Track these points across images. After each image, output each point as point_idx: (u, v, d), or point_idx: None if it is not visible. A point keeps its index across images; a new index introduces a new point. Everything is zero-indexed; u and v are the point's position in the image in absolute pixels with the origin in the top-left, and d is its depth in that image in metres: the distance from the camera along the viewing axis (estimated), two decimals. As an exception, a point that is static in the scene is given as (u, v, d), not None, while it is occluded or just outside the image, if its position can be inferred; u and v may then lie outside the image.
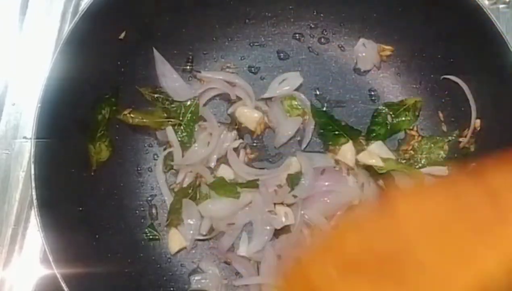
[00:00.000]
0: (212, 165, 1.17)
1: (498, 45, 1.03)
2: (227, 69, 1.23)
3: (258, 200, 1.13)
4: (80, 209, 1.07)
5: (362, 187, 1.16)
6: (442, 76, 1.15)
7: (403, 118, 1.19)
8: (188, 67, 1.22)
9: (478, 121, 1.12)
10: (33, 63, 1.22)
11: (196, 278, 1.14)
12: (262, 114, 1.19)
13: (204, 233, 1.15)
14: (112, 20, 1.08)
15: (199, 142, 1.17)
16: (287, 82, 1.21)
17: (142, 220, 1.17)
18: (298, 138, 1.20)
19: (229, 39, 1.23)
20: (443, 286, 0.49)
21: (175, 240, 1.15)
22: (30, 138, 1.00)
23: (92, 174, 1.11)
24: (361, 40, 1.21)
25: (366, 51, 1.21)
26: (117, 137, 1.15)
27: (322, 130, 1.18)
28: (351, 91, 1.22)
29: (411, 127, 1.19)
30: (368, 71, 1.22)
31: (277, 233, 1.14)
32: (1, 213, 1.17)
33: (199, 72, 1.22)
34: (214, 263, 1.15)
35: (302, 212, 1.13)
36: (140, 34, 1.14)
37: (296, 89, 1.21)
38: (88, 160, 1.10)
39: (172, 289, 1.14)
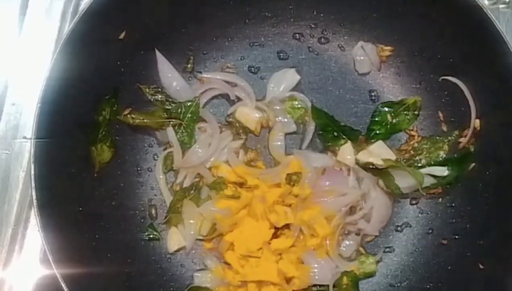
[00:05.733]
0: (212, 165, 1.17)
1: (498, 45, 1.03)
2: (227, 69, 1.23)
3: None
4: (80, 209, 1.07)
5: (362, 187, 1.17)
6: (441, 77, 1.15)
7: (403, 118, 1.19)
8: (188, 67, 1.22)
9: (478, 121, 1.12)
10: (33, 63, 1.22)
11: (199, 274, 1.14)
12: (262, 114, 1.19)
13: (205, 234, 1.15)
14: (112, 20, 1.08)
15: (200, 143, 1.17)
16: (284, 81, 1.21)
17: (142, 220, 1.17)
18: (299, 138, 1.20)
19: (229, 39, 1.23)
20: None
21: (174, 239, 1.16)
22: (30, 138, 1.00)
23: (95, 175, 1.11)
24: (360, 43, 1.21)
25: (364, 55, 1.21)
26: (117, 138, 1.15)
27: (321, 131, 1.18)
28: (351, 91, 1.22)
29: (411, 128, 1.19)
30: (367, 73, 1.22)
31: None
32: (1, 213, 1.17)
33: (200, 72, 1.22)
34: (217, 262, 1.15)
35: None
36: (140, 34, 1.14)
37: (296, 88, 1.21)
38: (89, 161, 1.11)
39: (172, 289, 1.14)
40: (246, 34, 1.23)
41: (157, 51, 1.17)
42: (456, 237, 1.13)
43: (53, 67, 1.02)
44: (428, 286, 1.12)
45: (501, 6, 1.26)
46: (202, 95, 1.20)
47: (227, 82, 1.21)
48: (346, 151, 1.17)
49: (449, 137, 1.16)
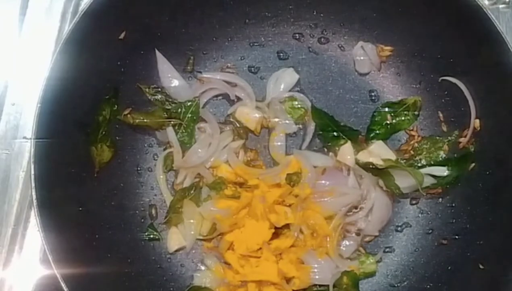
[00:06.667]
0: (212, 165, 1.17)
1: (498, 45, 1.03)
2: (227, 69, 1.23)
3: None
4: (80, 209, 1.07)
5: (362, 187, 1.17)
6: (441, 78, 1.15)
7: (403, 118, 1.19)
8: (188, 67, 1.22)
9: (478, 121, 1.12)
10: (33, 63, 1.22)
11: (199, 274, 1.14)
12: (262, 115, 1.19)
13: (205, 234, 1.15)
14: (112, 20, 1.08)
15: (200, 143, 1.17)
16: (283, 80, 1.21)
17: (142, 220, 1.17)
18: (299, 138, 1.20)
19: (229, 39, 1.23)
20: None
21: (174, 239, 1.16)
22: (30, 139, 1.00)
23: (95, 175, 1.11)
24: (360, 43, 1.21)
25: (364, 55, 1.21)
26: (117, 138, 1.15)
27: (321, 131, 1.18)
28: (351, 91, 1.22)
29: (411, 128, 1.19)
30: (367, 73, 1.22)
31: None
32: (1, 213, 1.17)
33: (200, 72, 1.22)
34: (217, 262, 1.15)
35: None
36: (140, 34, 1.14)
37: (296, 88, 1.21)
38: (89, 161, 1.11)
39: (172, 289, 1.14)
40: (246, 34, 1.23)
41: (157, 51, 1.17)
42: (456, 237, 1.13)
43: (53, 67, 1.02)
44: (428, 286, 1.12)
45: (501, 6, 1.26)
46: (202, 95, 1.20)
47: (227, 82, 1.21)
48: (346, 151, 1.17)
49: (449, 137, 1.16)
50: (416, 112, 1.19)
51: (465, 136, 1.14)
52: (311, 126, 1.19)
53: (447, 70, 1.15)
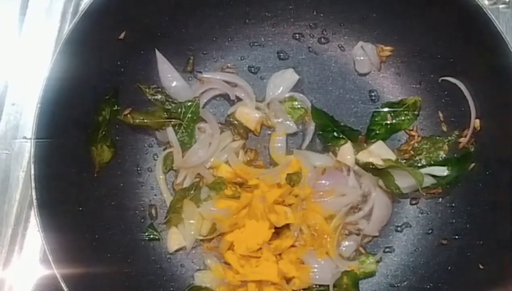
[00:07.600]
0: (212, 165, 1.17)
1: (498, 45, 1.03)
2: (227, 69, 1.23)
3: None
4: (80, 209, 1.07)
5: (362, 187, 1.17)
6: (441, 78, 1.15)
7: (403, 118, 1.19)
8: (188, 67, 1.22)
9: (478, 121, 1.12)
10: (33, 63, 1.22)
11: (199, 274, 1.14)
12: (262, 115, 1.19)
13: (205, 234, 1.15)
14: (112, 20, 1.08)
15: (200, 143, 1.17)
16: (283, 81, 1.21)
17: (142, 220, 1.17)
18: (299, 138, 1.20)
19: (229, 39, 1.23)
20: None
21: (174, 239, 1.16)
22: (30, 139, 1.00)
23: (95, 175, 1.11)
24: (360, 43, 1.21)
25: (364, 55, 1.21)
26: (117, 138, 1.15)
27: (321, 131, 1.18)
28: (351, 92, 1.22)
29: (411, 128, 1.19)
30: (367, 73, 1.22)
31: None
32: (1, 213, 1.17)
33: (200, 72, 1.22)
34: (217, 262, 1.15)
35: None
36: (140, 34, 1.14)
37: (296, 88, 1.21)
38: (89, 161, 1.11)
39: (172, 289, 1.14)
40: (246, 34, 1.23)
41: (157, 51, 1.17)
42: (456, 237, 1.13)
43: (53, 67, 1.02)
44: (428, 286, 1.12)
45: (501, 6, 1.26)
46: (202, 95, 1.20)
47: (227, 82, 1.21)
48: (346, 151, 1.17)
49: (449, 137, 1.16)
50: (416, 112, 1.19)
51: (465, 136, 1.14)
52: (311, 127, 1.19)
53: (447, 70, 1.15)
